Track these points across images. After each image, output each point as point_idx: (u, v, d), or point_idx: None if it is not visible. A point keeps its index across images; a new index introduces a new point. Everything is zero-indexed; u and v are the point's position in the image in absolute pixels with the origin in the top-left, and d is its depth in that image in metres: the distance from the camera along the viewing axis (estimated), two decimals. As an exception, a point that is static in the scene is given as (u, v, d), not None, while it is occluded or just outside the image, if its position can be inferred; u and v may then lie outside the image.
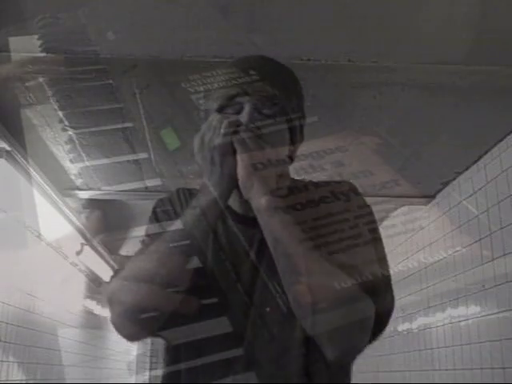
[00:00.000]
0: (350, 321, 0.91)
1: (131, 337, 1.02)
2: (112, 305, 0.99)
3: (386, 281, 0.98)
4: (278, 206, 0.94)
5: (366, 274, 0.92)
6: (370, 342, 0.95)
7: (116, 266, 5.21)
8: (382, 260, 1.00)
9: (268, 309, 0.98)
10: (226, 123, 0.96)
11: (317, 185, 1.08)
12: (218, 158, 0.96)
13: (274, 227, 0.93)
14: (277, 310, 0.96)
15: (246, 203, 0.98)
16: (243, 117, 0.99)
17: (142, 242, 1.08)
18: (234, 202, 1.05)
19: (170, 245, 0.95)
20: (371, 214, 1.05)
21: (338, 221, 1.00)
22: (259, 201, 0.94)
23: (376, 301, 0.92)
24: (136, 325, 0.97)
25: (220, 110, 1.02)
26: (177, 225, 0.98)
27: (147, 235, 1.08)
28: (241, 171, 0.94)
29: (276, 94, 1.01)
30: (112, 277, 1.02)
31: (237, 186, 0.97)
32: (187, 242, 0.94)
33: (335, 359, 0.94)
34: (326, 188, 1.06)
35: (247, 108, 1.00)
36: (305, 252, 0.91)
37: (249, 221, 1.01)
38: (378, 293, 0.93)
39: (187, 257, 0.95)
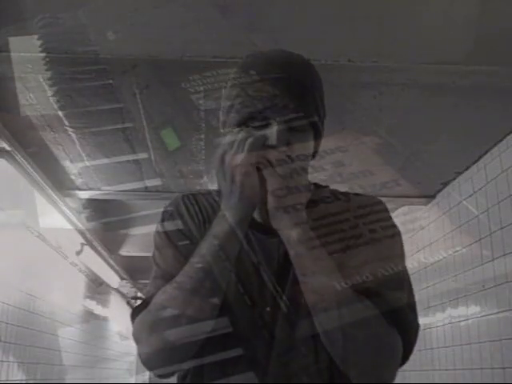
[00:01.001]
0: (380, 355, 0.90)
1: (165, 375, 0.98)
2: (142, 344, 0.96)
3: (414, 312, 0.96)
4: (310, 240, 0.90)
5: (395, 305, 0.91)
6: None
7: (116, 267, 5.22)
8: (409, 288, 0.98)
9: (299, 326, 0.95)
10: (251, 143, 0.89)
11: (344, 197, 1.04)
12: (240, 179, 0.89)
13: (304, 262, 0.90)
14: (307, 325, 0.93)
15: (266, 212, 0.92)
16: (272, 136, 0.91)
17: (155, 261, 1.03)
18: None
19: (196, 281, 0.90)
20: (401, 239, 1.02)
21: (369, 244, 0.96)
22: (290, 233, 0.90)
23: (403, 332, 0.91)
24: (172, 362, 0.95)
25: (242, 123, 0.94)
26: (197, 254, 0.92)
27: (161, 255, 1.03)
28: (271, 201, 0.89)
29: (306, 108, 0.94)
30: (136, 312, 0.99)
31: (261, 197, 0.92)
32: (212, 275, 0.90)
33: None
34: (356, 204, 1.02)
35: (276, 126, 0.92)
36: (335, 288, 0.88)
37: (270, 230, 0.95)
38: (405, 324, 0.92)
39: (214, 291, 0.92)
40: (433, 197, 3.26)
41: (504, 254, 2.47)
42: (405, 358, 0.95)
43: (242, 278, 0.97)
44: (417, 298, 0.97)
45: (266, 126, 0.93)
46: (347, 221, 0.99)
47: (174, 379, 1.03)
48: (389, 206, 1.04)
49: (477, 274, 2.72)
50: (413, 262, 3.32)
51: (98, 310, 5.64)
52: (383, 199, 1.05)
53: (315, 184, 1.08)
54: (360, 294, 0.89)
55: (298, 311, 0.94)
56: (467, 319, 2.80)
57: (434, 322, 3.18)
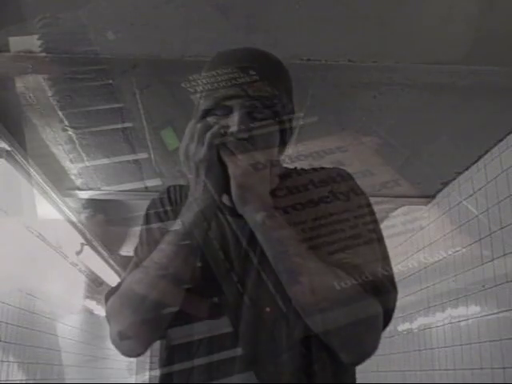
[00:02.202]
0: (361, 323, 0.90)
1: (130, 353, 1.02)
2: (111, 324, 0.98)
3: (389, 277, 0.96)
4: (275, 222, 0.92)
5: (368, 272, 0.91)
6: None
7: (116, 267, 5.22)
8: (383, 253, 0.98)
9: (268, 308, 0.96)
10: (211, 134, 0.92)
11: (310, 173, 1.05)
12: (203, 171, 0.92)
13: (272, 244, 0.92)
14: (275, 307, 0.94)
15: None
16: (233, 123, 0.94)
17: (136, 250, 1.06)
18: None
19: (160, 266, 0.93)
20: (369, 204, 1.02)
21: (335, 214, 0.97)
22: (255, 217, 0.92)
23: (380, 298, 0.91)
24: (135, 342, 0.97)
25: (206, 113, 0.97)
26: (166, 241, 0.95)
27: (141, 243, 1.06)
28: (234, 187, 0.92)
29: (268, 95, 0.96)
30: (108, 294, 1.01)
31: (226, 185, 0.94)
32: (177, 261, 0.93)
33: (351, 362, 0.95)
34: (320, 176, 1.03)
35: (237, 113, 0.95)
36: (306, 264, 0.89)
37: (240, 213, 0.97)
38: (382, 290, 0.92)
39: (178, 276, 0.94)
40: (433, 197, 3.25)
41: (504, 254, 2.46)
42: (385, 324, 0.95)
43: (213, 261, 0.99)
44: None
45: (229, 114, 0.96)
46: (313, 195, 1.00)
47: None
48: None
49: (477, 274, 2.72)
50: (413, 261, 3.32)
51: (97, 309, 5.63)
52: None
53: (286, 168, 1.09)
54: (334, 267, 0.90)
55: (269, 294, 0.95)
56: (467, 319, 2.80)
57: (434, 322, 3.18)
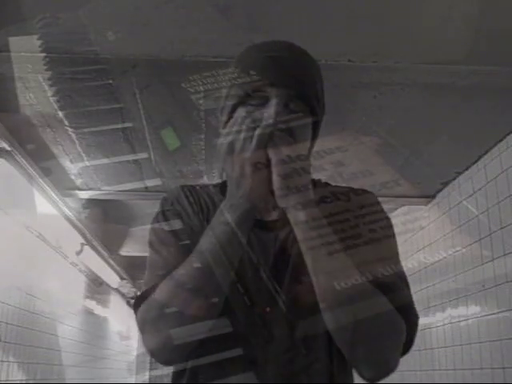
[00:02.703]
0: (387, 339, 0.90)
1: (171, 362, 0.99)
2: (146, 333, 0.95)
3: (410, 298, 0.97)
4: (318, 220, 0.88)
5: (397, 294, 0.91)
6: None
7: (116, 267, 5.21)
8: (404, 277, 0.99)
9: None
10: (262, 129, 0.87)
11: (339, 192, 1.03)
12: (250, 169, 0.87)
13: (313, 242, 0.88)
14: (302, 313, 0.94)
15: (264, 205, 0.92)
16: (270, 113, 0.90)
17: (154, 247, 1.02)
18: None
19: (197, 279, 0.90)
20: (393, 229, 1.02)
21: (363, 237, 0.95)
22: (298, 214, 0.88)
23: (406, 318, 0.92)
24: (176, 351, 0.94)
25: (240, 103, 0.94)
26: (203, 244, 0.91)
27: (161, 241, 1.01)
28: (277, 181, 0.86)
29: (305, 85, 0.94)
30: (138, 302, 0.98)
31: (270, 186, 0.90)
32: (214, 273, 0.89)
33: (372, 378, 0.94)
34: (349, 197, 1.01)
35: (274, 103, 0.90)
36: (343, 268, 0.88)
37: (266, 225, 0.96)
38: (405, 311, 0.92)
39: (216, 288, 0.91)
40: (433, 197, 3.25)
41: (504, 254, 2.47)
42: (408, 346, 0.95)
43: (240, 273, 0.96)
44: (417, 297, 0.98)
45: (264, 104, 0.92)
46: (343, 216, 0.98)
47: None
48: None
49: (477, 274, 2.72)
50: (413, 262, 3.32)
51: (97, 309, 5.64)
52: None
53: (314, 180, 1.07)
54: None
55: (297, 308, 0.94)
56: (467, 319, 2.80)
57: (434, 322, 3.18)
